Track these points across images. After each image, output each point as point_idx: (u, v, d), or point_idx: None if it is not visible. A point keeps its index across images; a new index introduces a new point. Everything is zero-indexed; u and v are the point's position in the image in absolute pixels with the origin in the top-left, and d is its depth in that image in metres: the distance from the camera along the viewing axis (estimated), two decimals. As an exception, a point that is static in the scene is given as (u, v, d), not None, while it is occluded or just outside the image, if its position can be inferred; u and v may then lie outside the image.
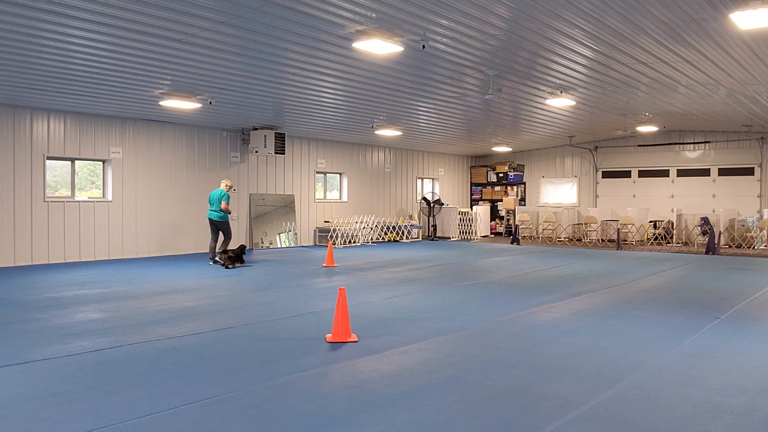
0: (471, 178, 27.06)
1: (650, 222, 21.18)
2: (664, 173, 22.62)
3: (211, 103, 13.32)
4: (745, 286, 10.77)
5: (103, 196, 15.05)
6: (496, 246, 19.85)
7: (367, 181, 21.95)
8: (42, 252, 13.73)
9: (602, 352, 6.15)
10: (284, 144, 17.30)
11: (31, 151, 13.55)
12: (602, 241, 21.47)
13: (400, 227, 22.14)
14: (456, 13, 8.06)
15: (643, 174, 23.10)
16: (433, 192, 24.34)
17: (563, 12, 8.14)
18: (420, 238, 23.13)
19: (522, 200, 25.68)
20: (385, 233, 21.82)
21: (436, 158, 25.22)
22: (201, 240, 16.80)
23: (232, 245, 14.50)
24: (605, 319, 7.84)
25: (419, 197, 24.17)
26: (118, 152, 15.04)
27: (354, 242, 19.95)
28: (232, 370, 5.51)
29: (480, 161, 27.19)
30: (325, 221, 20.22)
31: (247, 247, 14.75)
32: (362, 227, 20.36)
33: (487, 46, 9.78)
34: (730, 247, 18.94)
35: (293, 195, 19.19)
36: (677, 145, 22.17)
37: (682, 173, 22.29)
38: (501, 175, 25.90)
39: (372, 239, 21.17)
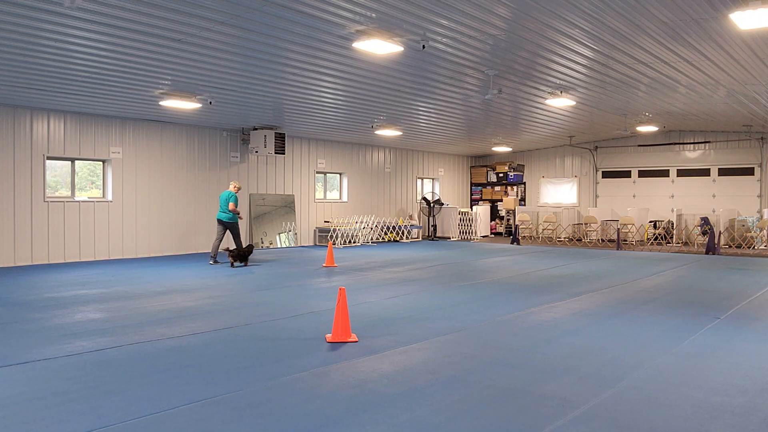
0: (471, 178, 27.06)
1: (650, 222, 21.19)
2: (664, 173, 22.62)
3: (211, 103, 13.33)
4: (745, 286, 10.77)
5: (103, 196, 15.05)
6: (496, 246, 19.85)
7: (367, 181, 21.95)
8: (42, 252, 13.73)
9: (602, 352, 6.15)
10: (284, 144, 17.30)
11: (31, 151, 13.55)
12: (602, 241, 21.47)
13: (400, 227, 22.14)
14: (456, 13, 8.06)
15: (643, 174, 23.10)
16: (433, 192, 24.34)
17: (563, 12, 8.14)
18: (420, 238, 23.13)
19: (522, 200, 25.68)
20: (385, 233, 21.82)
21: (436, 158, 25.23)
22: (201, 240, 16.80)
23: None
24: (605, 319, 7.84)
25: (419, 197, 24.17)
26: (118, 152, 15.04)
27: (354, 242, 19.95)
28: (232, 370, 5.51)
29: (480, 161, 27.19)
30: (325, 221, 20.22)
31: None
32: (362, 227, 20.37)
33: (487, 46, 9.78)
34: (730, 247, 18.94)
35: (293, 195, 19.19)
36: (677, 145, 22.17)
37: (682, 173, 22.29)
38: (501, 175, 25.90)
39: (372, 239, 21.17)
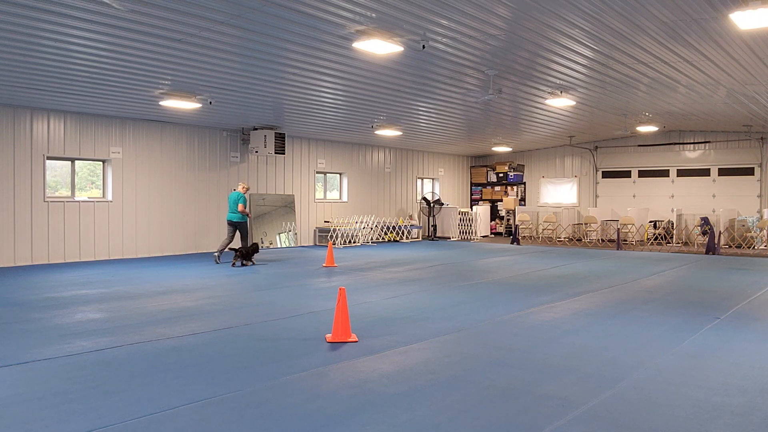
0: (471, 178, 27.06)
1: (650, 222, 21.18)
2: (664, 173, 22.62)
3: (211, 103, 13.33)
4: (745, 286, 10.77)
5: (103, 196, 15.05)
6: (496, 246, 19.85)
7: (367, 181, 21.95)
8: (42, 252, 13.73)
9: (602, 352, 6.15)
10: (284, 144, 17.30)
11: (31, 151, 13.55)
12: (602, 241, 21.47)
13: (400, 227, 22.14)
14: (456, 13, 8.06)
15: (643, 174, 23.10)
16: (433, 192, 24.34)
17: (563, 12, 8.14)
18: (420, 238, 23.13)
19: (522, 200, 25.68)
20: (385, 233, 21.82)
21: (436, 158, 25.22)
22: (201, 239, 16.80)
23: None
24: (605, 319, 7.84)
25: (419, 197, 24.17)
26: (118, 152, 15.04)
27: (354, 242, 19.95)
28: (232, 370, 5.51)
29: (480, 161, 27.19)
30: (325, 221, 20.22)
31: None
32: (362, 227, 20.37)
33: (487, 46, 9.78)
34: (730, 247, 18.94)
35: (293, 195, 19.18)
36: (677, 145, 22.17)
37: (682, 173, 22.28)
38: (501, 175, 25.90)
39: (372, 239, 21.17)
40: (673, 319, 7.87)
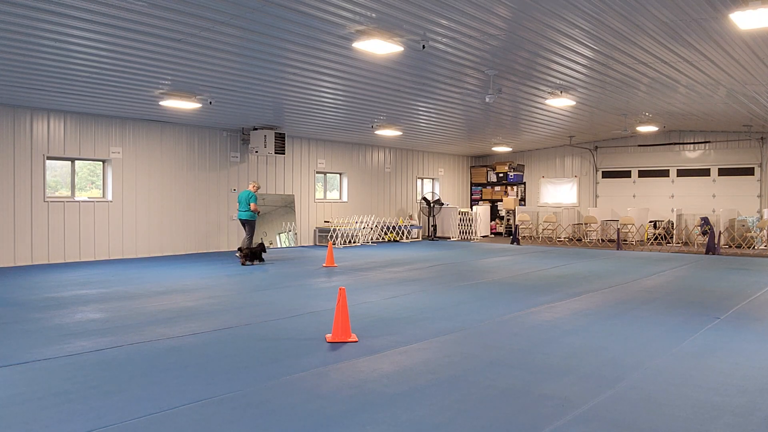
0: (471, 178, 27.06)
1: (650, 222, 21.18)
2: (664, 173, 22.62)
3: (211, 103, 13.33)
4: (745, 286, 10.77)
5: (103, 196, 15.05)
6: (496, 246, 19.85)
7: (367, 181, 21.95)
8: (42, 252, 13.73)
9: (602, 352, 6.15)
10: (284, 144, 17.30)
11: (31, 151, 13.55)
12: (602, 241, 21.47)
13: (400, 227, 22.14)
14: (456, 13, 8.06)
15: (643, 174, 23.10)
16: (433, 192, 24.34)
17: (563, 12, 8.14)
18: (420, 238, 23.13)
19: (522, 200, 25.68)
20: (385, 233, 21.82)
21: (436, 158, 25.22)
22: (201, 240, 16.80)
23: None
24: (605, 319, 7.84)
25: (419, 197, 24.17)
26: (118, 152, 15.04)
27: (354, 242, 19.95)
28: (232, 370, 5.51)
29: (480, 161, 27.19)
30: (325, 221, 20.22)
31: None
32: (362, 227, 20.36)
33: (487, 46, 9.78)
34: (730, 247, 18.93)
35: (293, 195, 19.18)
36: (677, 145, 22.17)
37: (682, 173, 22.28)
38: (501, 175, 25.90)
39: (372, 239, 21.17)
40: (673, 319, 7.87)
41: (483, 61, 10.74)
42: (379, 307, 8.66)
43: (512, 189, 25.82)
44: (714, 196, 21.61)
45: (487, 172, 26.43)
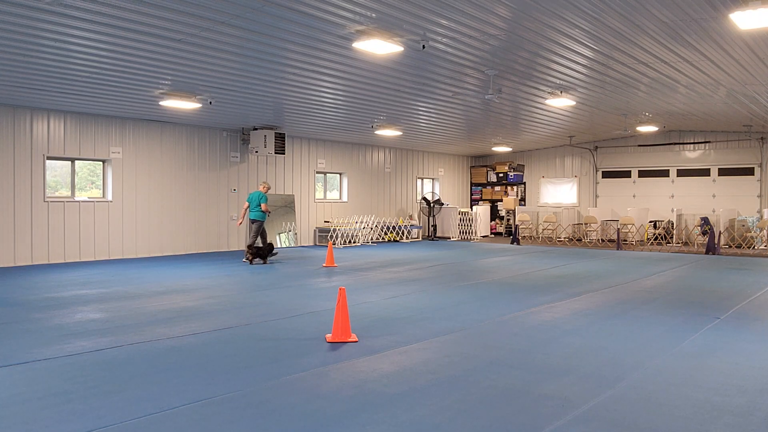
0: (471, 178, 27.06)
1: (650, 222, 21.18)
2: (664, 173, 22.62)
3: (211, 103, 13.33)
4: (745, 286, 10.77)
5: (103, 196, 15.05)
6: (496, 246, 19.85)
7: (367, 181, 21.95)
8: (42, 252, 13.73)
9: (602, 352, 6.15)
10: (284, 144, 17.30)
11: (31, 151, 13.55)
12: (602, 241, 21.47)
13: (400, 227, 22.14)
14: (456, 13, 8.06)
15: (643, 174, 23.10)
16: (433, 192, 24.34)
17: (563, 12, 8.14)
18: (420, 238, 23.13)
19: (522, 200, 25.68)
20: (385, 233, 21.82)
21: (436, 158, 25.22)
22: (201, 240, 16.80)
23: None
24: (605, 319, 7.84)
25: (419, 197, 24.17)
26: (118, 152, 15.04)
27: (354, 242, 19.95)
28: (232, 370, 5.51)
29: (480, 161, 27.18)
30: (325, 221, 20.22)
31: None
32: (362, 227, 20.36)
33: (487, 46, 9.78)
34: (730, 247, 18.93)
35: (293, 195, 19.18)
36: (677, 145, 22.17)
37: (682, 173, 22.28)
38: (501, 175, 25.90)
39: (372, 239, 21.17)
40: (673, 319, 7.87)
41: (483, 61, 10.74)
42: (379, 307, 8.66)
43: (512, 189, 25.82)
44: (714, 196, 21.61)
45: (487, 172, 26.43)
